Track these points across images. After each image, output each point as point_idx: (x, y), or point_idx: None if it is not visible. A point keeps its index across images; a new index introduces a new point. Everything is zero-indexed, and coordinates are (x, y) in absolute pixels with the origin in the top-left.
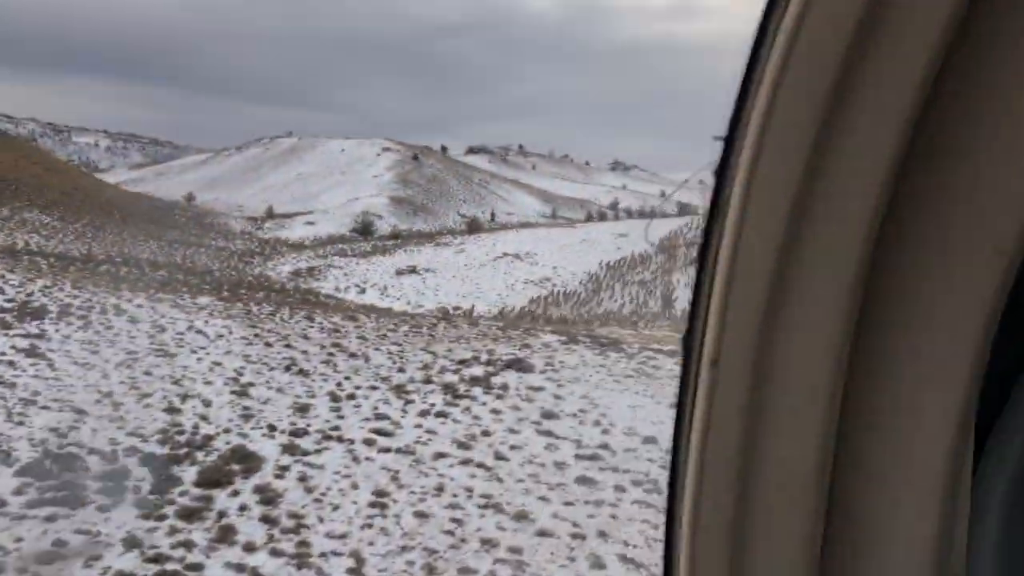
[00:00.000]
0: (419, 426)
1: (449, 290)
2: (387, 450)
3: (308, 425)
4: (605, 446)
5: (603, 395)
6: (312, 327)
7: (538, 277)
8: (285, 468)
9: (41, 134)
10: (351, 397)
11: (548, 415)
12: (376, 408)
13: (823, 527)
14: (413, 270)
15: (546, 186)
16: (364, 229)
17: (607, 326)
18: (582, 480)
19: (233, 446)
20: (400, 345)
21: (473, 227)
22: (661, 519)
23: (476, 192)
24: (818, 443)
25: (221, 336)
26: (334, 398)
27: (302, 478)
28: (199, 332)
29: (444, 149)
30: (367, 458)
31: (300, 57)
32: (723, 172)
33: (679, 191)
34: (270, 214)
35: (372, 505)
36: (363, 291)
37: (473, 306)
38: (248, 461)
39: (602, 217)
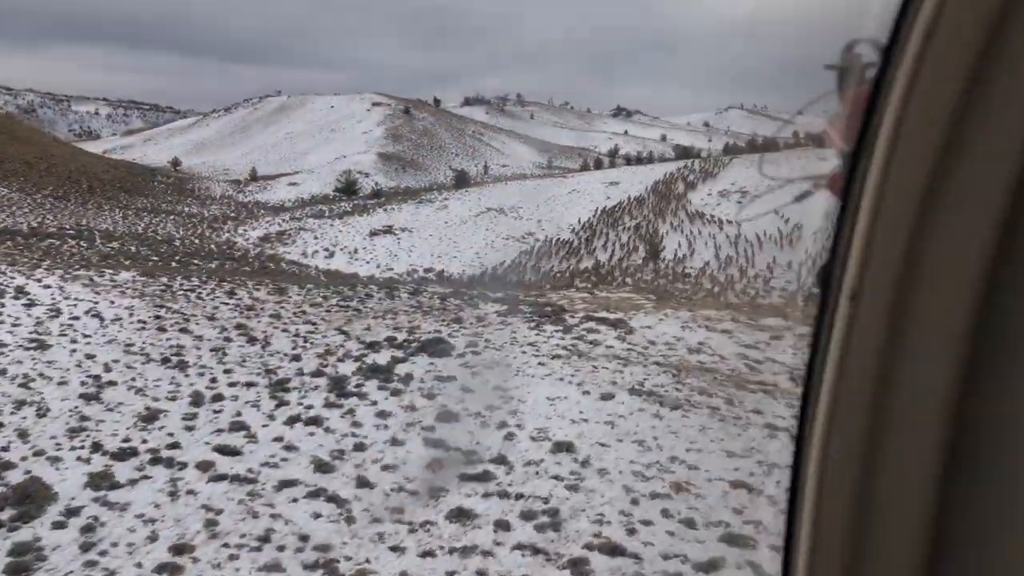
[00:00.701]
0: (279, 439)
1: (424, 250)
2: (222, 478)
3: (144, 442)
4: (502, 460)
5: (521, 384)
6: (228, 304)
7: (521, 232)
8: (74, 512)
9: (41, 104)
10: (217, 399)
11: (446, 417)
12: (238, 414)
13: (949, 458)
14: (388, 230)
15: (544, 135)
16: (347, 188)
17: (564, 289)
18: (457, 515)
19: (27, 478)
20: (315, 324)
21: (460, 181)
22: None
23: (469, 145)
24: (953, 373)
25: (118, 320)
26: (195, 401)
27: (88, 528)
28: (95, 316)
29: (437, 101)
30: (190, 491)
31: (298, 17)
32: (874, 102)
33: (678, 133)
34: (253, 176)
35: (159, 571)
36: (331, 255)
37: (443, 269)
38: (30, 502)
39: (598, 165)
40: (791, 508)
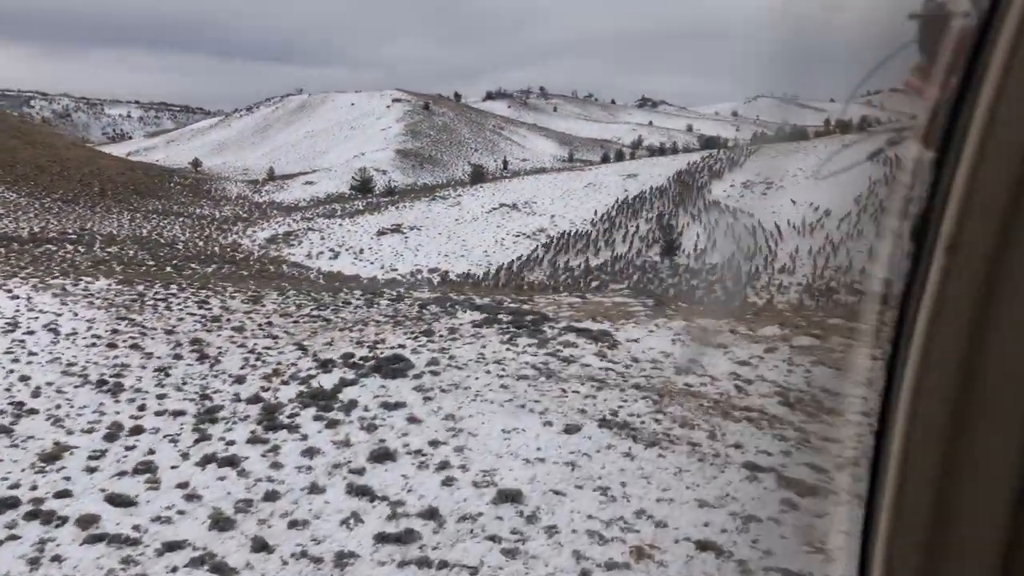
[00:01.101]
0: (183, 485)
1: (431, 249)
2: (100, 539)
3: (33, 488)
4: (432, 514)
5: (476, 412)
6: (195, 315)
7: (532, 228)
8: None
9: (75, 108)
10: (135, 432)
11: (381, 456)
12: (151, 452)
13: None
14: (397, 229)
15: (566, 128)
16: (362, 186)
17: (555, 293)
18: None
19: None
20: (276, 338)
21: (476, 177)
22: None
23: (489, 139)
24: None
25: (72, 335)
26: (111, 434)
27: None
28: (52, 330)
29: (458, 96)
30: (55, 557)
31: (325, 16)
32: (979, 45)
33: (704, 123)
34: (271, 176)
35: None
36: (336, 256)
37: (447, 271)
38: None
39: (619, 157)
40: (871, 490)
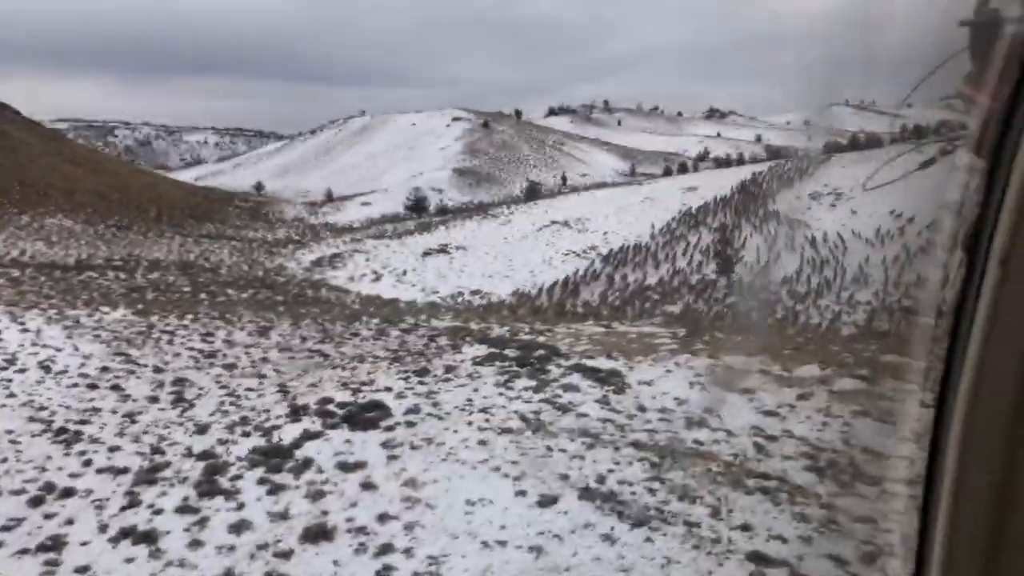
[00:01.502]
0: (83, 570)
1: (476, 270)
2: None
3: None
4: None
5: (443, 476)
6: (192, 350)
7: (583, 246)
8: None
9: (156, 136)
10: (66, 495)
11: (316, 535)
12: (69, 522)
13: None
14: (443, 249)
15: (630, 142)
16: (416, 206)
17: (584, 320)
18: None
19: None
20: (264, 378)
21: (531, 193)
22: None
23: (549, 155)
24: None
25: (62, 373)
26: (39, 498)
27: None
28: (44, 367)
29: (518, 113)
30: None
31: (391, 36)
32: None
33: (776, 132)
34: (329, 197)
35: None
36: (378, 278)
37: (489, 292)
38: None
39: (682, 169)
40: (925, 502)
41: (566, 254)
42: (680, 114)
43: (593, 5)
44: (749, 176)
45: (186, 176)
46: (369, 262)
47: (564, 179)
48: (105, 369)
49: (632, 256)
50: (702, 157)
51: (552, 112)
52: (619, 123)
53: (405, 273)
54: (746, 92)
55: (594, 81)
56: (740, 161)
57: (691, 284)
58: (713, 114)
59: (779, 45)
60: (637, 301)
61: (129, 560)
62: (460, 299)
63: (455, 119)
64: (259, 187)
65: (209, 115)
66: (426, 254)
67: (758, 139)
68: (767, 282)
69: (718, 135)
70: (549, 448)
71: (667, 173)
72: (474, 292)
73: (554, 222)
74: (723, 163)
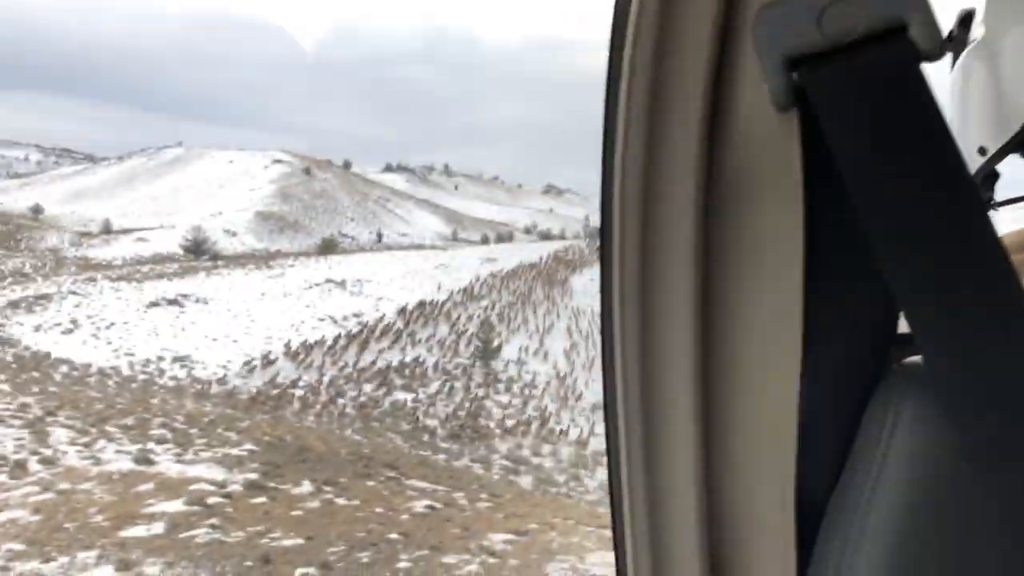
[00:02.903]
0: None
1: (202, 329)
2: None
3: None
4: None
5: None
6: None
7: (345, 312)
8: None
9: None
10: None
11: None
12: None
13: None
14: (174, 301)
15: (462, 207)
16: (195, 247)
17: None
18: None
19: None
20: None
21: (326, 248)
22: None
23: (371, 210)
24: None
25: None
26: None
27: None
28: None
29: (347, 164)
30: None
31: (254, 76)
32: None
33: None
34: (107, 228)
35: None
36: (71, 331)
37: (198, 361)
38: None
39: (500, 239)
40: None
41: (322, 319)
42: (520, 186)
43: (457, 78)
44: (556, 250)
45: None
46: (78, 308)
47: (380, 236)
48: None
49: (391, 327)
50: (529, 230)
51: (389, 168)
52: (456, 188)
53: (111, 326)
54: (585, 174)
55: (452, 148)
56: (562, 236)
57: (443, 368)
58: (550, 189)
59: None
60: (382, 381)
61: None
62: (150, 367)
63: (275, 161)
64: (37, 209)
65: (40, 133)
66: (153, 305)
67: (587, 219)
68: (524, 373)
69: (551, 210)
70: None
71: (485, 241)
72: (178, 359)
73: (329, 280)
74: (547, 236)
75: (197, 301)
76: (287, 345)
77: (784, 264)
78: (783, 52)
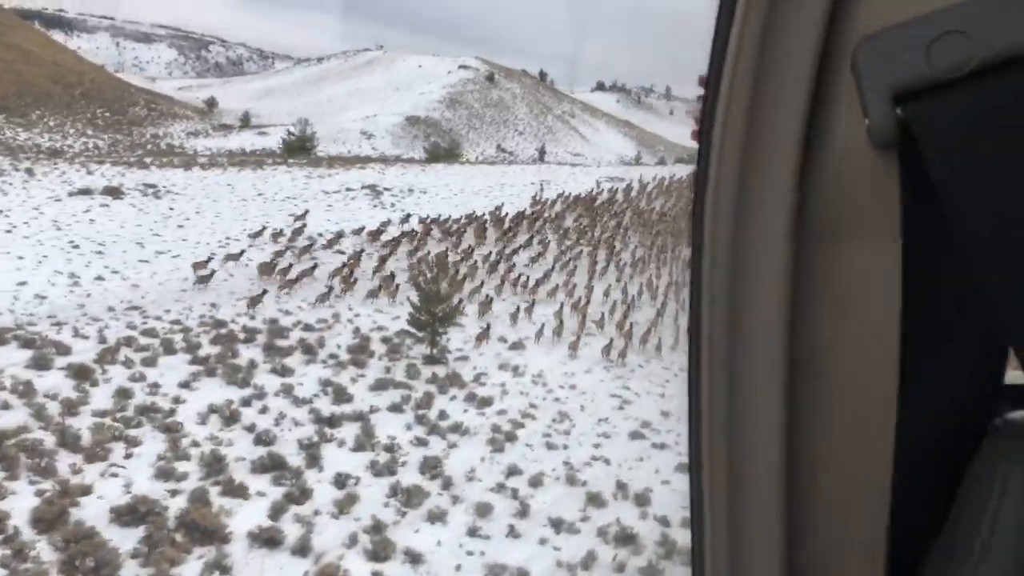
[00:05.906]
0: None
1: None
2: None
3: None
4: None
5: None
6: None
7: (359, 223)
8: None
9: (247, 58)
10: None
11: None
12: None
13: None
14: (116, 191)
15: (663, 131)
16: (293, 145)
17: None
18: None
19: None
20: None
21: (434, 157)
22: None
23: (547, 126)
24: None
25: None
26: None
27: None
28: None
29: (543, 75)
30: None
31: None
32: None
33: None
34: (245, 122)
35: None
36: None
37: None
38: None
39: (679, 161)
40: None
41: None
42: None
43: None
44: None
45: (170, 85)
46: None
47: (542, 153)
48: None
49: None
50: None
51: (601, 87)
52: (671, 112)
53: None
54: None
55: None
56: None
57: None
58: None
59: None
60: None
61: None
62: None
63: (461, 67)
64: (211, 103)
65: (302, 45)
66: (80, 193)
67: None
68: None
69: None
70: None
71: (660, 163)
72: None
73: (363, 186)
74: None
75: (168, 193)
76: None
77: (877, 305)
78: (889, 85)
